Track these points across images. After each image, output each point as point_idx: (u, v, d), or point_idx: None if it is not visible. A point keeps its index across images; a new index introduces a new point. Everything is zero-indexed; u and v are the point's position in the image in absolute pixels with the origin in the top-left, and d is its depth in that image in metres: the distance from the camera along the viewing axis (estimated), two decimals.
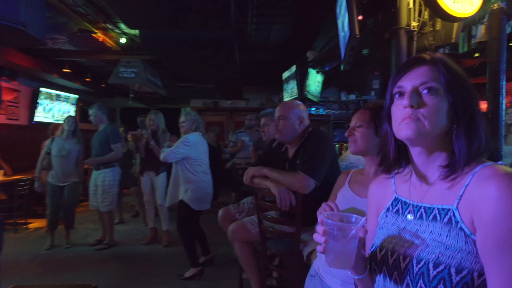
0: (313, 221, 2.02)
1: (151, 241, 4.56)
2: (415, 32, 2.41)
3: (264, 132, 3.38)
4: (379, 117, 1.39)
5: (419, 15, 2.44)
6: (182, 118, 3.66)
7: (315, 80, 6.13)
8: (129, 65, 4.68)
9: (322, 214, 0.88)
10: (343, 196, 1.46)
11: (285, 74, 6.55)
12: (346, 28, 3.09)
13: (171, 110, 10.55)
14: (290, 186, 1.90)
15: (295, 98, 6.00)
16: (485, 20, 2.57)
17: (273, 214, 2.26)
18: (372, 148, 1.41)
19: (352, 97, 6.73)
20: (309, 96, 6.01)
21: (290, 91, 6.29)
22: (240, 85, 9.07)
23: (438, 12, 2.28)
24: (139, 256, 4.09)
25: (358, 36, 2.43)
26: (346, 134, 1.46)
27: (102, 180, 4.27)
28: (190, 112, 3.79)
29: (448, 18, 2.27)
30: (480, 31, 2.54)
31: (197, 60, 5.67)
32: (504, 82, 2.34)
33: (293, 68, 5.95)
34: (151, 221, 4.64)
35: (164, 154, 3.44)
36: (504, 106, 2.33)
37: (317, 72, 5.92)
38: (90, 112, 4.26)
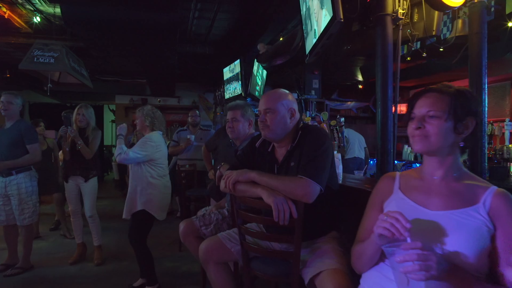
0: (313, 235, 1.73)
1: (80, 259, 3.82)
2: (401, 21, 2.23)
3: (232, 128, 2.96)
4: (463, 106, 1.10)
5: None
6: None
7: (260, 77, 5.85)
8: (47, 48, 3.84)
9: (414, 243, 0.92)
10: (398, 206, 1.15)
11: (227, 70, 6.16)
12: (315, 16, 2.83)
13: (93, 107, 9.39)
14: (289, 193, 1.53)
15: (238, 96, 5.65)
16: (461, 15, 2.49)
17: (255, 227, 1.88)
18: (445, 148, 1.13)
19: (294, 96, 6.60)
20: (256, 94, 5.71)
21: (232, 88, 5.92)
22: (173, 81, 8.44)
23: (429, 0, 2.13)
24: (65, 280, 3.36)
25: (342, 20, 2.16)
26: (413, 126, 1.13)
27: (16, 188, 3.41)
28: (143, 108, 3.22)
29: (438, 6, 2.12)
30: (457, 25, 2.46)
31: (131, 47, 4.99)
32: (486, 78, 2.28)
33: (237, 63, 5.58)
34: (79, 236, 3.90)
35: (124, 154, 2.87)
36: (487, 103, 2.27)
37: (264, 68, 5.65)
38: (7, 98, 3.40)
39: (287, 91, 1.87)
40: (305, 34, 3.21)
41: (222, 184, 1.75)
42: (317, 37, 3.03)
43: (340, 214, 1.80)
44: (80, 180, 3.76)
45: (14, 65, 7.50)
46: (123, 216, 3.09)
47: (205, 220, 2.27)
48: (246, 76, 5.46)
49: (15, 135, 3.44)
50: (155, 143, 3.04)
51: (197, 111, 4.89)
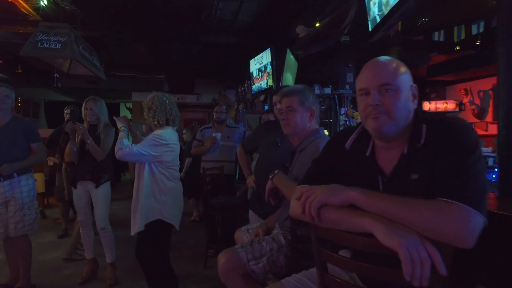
0: None
1: (90, 278, 3.27)
2: None
3: (287, 121, 2.30)
4: None
5: None
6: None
7: (293, 68, 5.20)
8: (53, 32, 3.27)
9: None
10: None
11: (254, 61, 5.53)
12: None
13: (108, 105, 8.95)
14: (430, 230, 0.88)
15: (268, 89, 5.02)
16: None
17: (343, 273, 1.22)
18: None
19: (327, 90, 5.92)
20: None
21: (260, 82, 5.28)
22: (193, 77, 7.88)
23: None
24: None
25: None
26: None
27: (19, 192, 2.90)
28: (154, 96, 2.63)
29: None
30: None
31: (149, 35, 4.43)
32: None
33: (267, 52, 4.94)
34: (89, 250, 3.34)
35: (126, 149, 2.39)
36: None
37: (297, 58, 5.00)
38: (3, 92, 2.89)
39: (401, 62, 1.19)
40: (372, 9, 2.55)
41: (295, 207, 1.11)
42: (383, 10, 2.39)
43: (486, 257, 1.14)
44: (90, 186, 3.19)
45: (25, 59, 7.07)
46: (131, 233, 2.52)
47: (254, 250, 1.64)
48: (277, 67, 4.82)
49: (16, 134, 2.92)
50: (166, 142, 2.48)
51: (224, 106, 4.26)
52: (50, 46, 3.23)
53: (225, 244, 3.82)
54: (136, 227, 2.49)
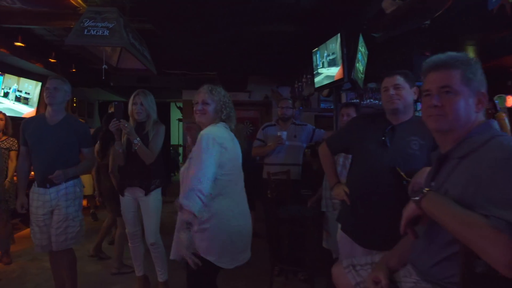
0: None
1: None
2: None
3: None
4: None
5: None
6: (203, 96, 2.05)
7: (363, 58, 4.48)
8: (100, 18, 2.86)
9: None
10: None
11: (319, 51, 4.86)
12: None
13: (159, 105, 8.72)
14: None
15: (338, 81, 4.33)
16: None
17: None
18: None
19: None
20: (359, 80, 4.36)
21: (327, 73, 4.61)
22: (246, 74, 7.38)
23: None
24: None
25: None
26: None
27: (65, 200, 2.56)
28: (215, 88, 2.14)
29: None
30: None
31: (204, 24, 3.96)
32: None
33: (336, 39, 4.27)
34: (139, 267, 2.91)
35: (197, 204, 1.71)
36: None
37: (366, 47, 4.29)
38: (53, 84, 2.56)
39: None
40: None
41: None
42: None
43: None
44: (139, 193, 2.75)
45: (80, 59, 6.97)
46: (171, 257, 1.98)
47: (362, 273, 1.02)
48: (348, 55, 4.13)
49: (68, 135, 2.57)
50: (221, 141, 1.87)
51: (290, 101, 3.67)
52: (97, 33, 2.83)
53: (293, 263, 3.24)
54: (173, 252, 1.94)
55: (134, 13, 4.04)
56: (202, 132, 1.85)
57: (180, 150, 11.43)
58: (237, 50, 5.63)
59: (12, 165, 4.12)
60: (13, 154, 4.14)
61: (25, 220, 5.31)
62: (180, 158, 11.44)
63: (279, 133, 3.35)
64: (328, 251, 3.01)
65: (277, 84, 9.16)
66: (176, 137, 11.86)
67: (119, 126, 2.56)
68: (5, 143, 4.14)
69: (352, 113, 2.85)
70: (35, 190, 2.58)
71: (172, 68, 7.85)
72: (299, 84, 7.08)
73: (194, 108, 2.02)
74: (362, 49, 4.31)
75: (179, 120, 11.24)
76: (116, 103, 2.55)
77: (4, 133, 4.24)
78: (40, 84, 6.62)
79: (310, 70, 6.25)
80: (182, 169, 2.02)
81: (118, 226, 3.69)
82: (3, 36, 5.06)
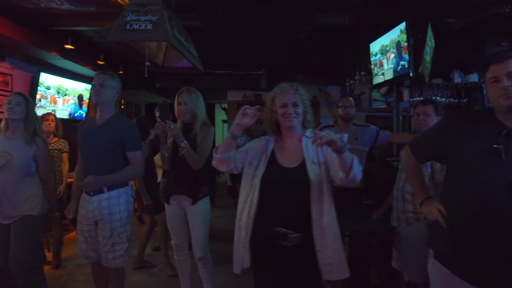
0: None
1: None
2: None
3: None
4: None
5: None
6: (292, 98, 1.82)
7: (430, 50, 3.98)
8: (143, 11, 2.66)
9: None
10: None
11: (378, 44, 4.42)
12: None
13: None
14: None
15: (402, 76, 3.86)
16: None
17: None
18: None
19: (473, 78, 4.54)
20: (426, 75, 3.87)
21: (389, 67, 4.15)
22: (294, 72, 7.02)
23: None
24: None
25: None
26: None
27: (108, 213, 2.28)
28: (300, 87, 1.88)
29: None
30: None
31: (257, 21, 3.69)
32: None
33: (400, 29, 3.81)
34: (185, 282, 2.67)
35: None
36: None
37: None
38: (99, 80, 2.35)
39: None
40: None
41: None
42: None
43: None
44: (186, 202, 2.50)
45: (127, 60, 6.99)
46: (233, 269, 1.70)
47: None
48: (415, 47, 3.66)
49: (112, 137, 2.29)
50: None
51: (351, 99, 3.27)
52: (140, 27, 2.63)
53: (354, 283, 2.85)
54: (235, 265, 1.76)
55: (180, 9, 3.86)
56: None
57: None
58: (286, 47, 5.30)
59: (65, 167, 4.06)
60: (65, 156, 4.08)
61: (72, 221, 5.33)
62: None
63: (339, 135, 2.97)
64: (398, 272, 2.59)
65: (325, 83, 8.73)
66: (221, 139, 11.76)
67: (164, 127, 2.31)
68: (57, 145, 4.12)
69: (431, 111, 2.41)
70: (82, 197, 2.39)
71: (216, 67, 7.69)
72: (351, 82, 6.63)
73: (282, 112, 1.76)
74: (430, 40, 3.82)
75: (224, 121, 11.10)
76: (161, 102, 2.31)
77: (55, 135, 4.22)
78: (89, 86, 6.70)
79: (364, 67, 5.80)
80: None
81: (158, 223, 3.61)
82: (53, 39, 5.11)
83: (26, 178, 2.40)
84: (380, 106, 8.55)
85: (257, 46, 5.36)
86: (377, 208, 2.86)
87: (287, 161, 1.78)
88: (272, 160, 1.80)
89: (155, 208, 3.55)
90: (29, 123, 2.42)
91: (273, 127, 1.85)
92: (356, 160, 1.62)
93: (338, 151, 1.56)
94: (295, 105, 1.75)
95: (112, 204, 2.29)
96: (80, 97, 6.58)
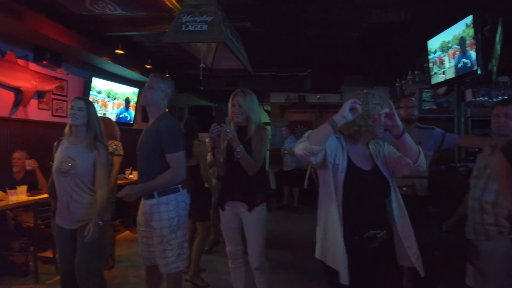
0: None
1: None
2: None
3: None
4: None
5: None
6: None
7: (500, 43, 3.64)
8: (198, 12, 2.60)
9: None
10: None
11: (437, 41, 4.12)
12: None
13: None
14: None
15: (468, 74, 3.56)
16: None
17: None
18: None
19: None
20: (494, 73, 3.54)
21: (451, 65, 3.85)
22: (342, 73, 6.79)
23: None
24: None
25: None
26: None
27: (158, 219, 2.21)
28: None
29: None
30: None
31: (306, 19, 3.56)
32: None
33: (466, 23, 3.51)
34: None
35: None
36: None
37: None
38: (149, 82, 2.30)
39: None
40: None
41: None
42: None
43: None
44: (242, 209, 2.40)
45: (173, 63, 7.09)
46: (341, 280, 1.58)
47: None
48: (484, 42, 3.35)
49: (153, 139, 2.24)
50: None
51: (413, 99, 3.04)
52: (196, 29, 2.59)
53: None
54: None
55: (230, 11, 3.80)
56: None
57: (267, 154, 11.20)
58: (333, 47, 5.12)
59: (113, 170, 3.88)
60: (116, 159, 3.98)
61: (125, 222, 5.44)
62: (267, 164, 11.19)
63: None
64: None
65: (371, 84, 8.39)
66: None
67: (220, 131, 2.24)
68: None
69: None
70: (142, 198, 2.35)
71: (260, 69, 7.62)
72: (402, 82, 6.30)
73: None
74: (499, 34, 3.50)
75: (266, 123, 11.02)
76: (216, 105, 2.23)
77: (109, 137, 4.15)
78: (137, 90, 6.87)
79: (418, 65, 5.48)
80: None
81: (198, 232, 3.46)
82: (105, 45, 5.26)
83: (90, 184, 2.38)
84: (427, 107, 8.11)
85: (304, 47, 5.21)
86: (442, 217, 2.63)
87: (362, 163, 1.73)
88: (350, 161, 1.71)
89: (200, 215, 3.41)
90: (91, 127, 2.39)
91: (355, 131, 1.70)
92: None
93: (398, 134, 1.66)
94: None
95: (162, 211, 2.21)
96: (127, 100, 6.76)
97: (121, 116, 6.56)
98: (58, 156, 2.38)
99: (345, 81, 7.62)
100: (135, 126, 6.91)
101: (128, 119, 6.84)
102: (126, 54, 5.55)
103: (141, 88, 6.75)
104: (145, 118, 6.81)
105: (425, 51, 4.46)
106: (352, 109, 1.56)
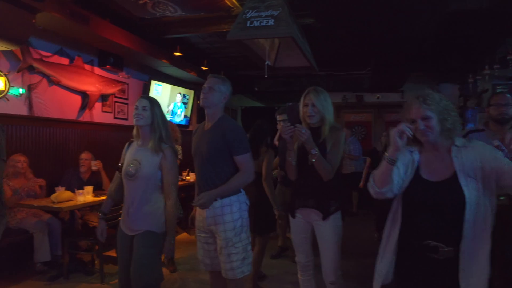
0: None
1: None
2: None
3: None
4: None
5: None
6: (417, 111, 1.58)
7: None
8: (263, 6, 2.44)
9: None
10: None
11: None
12: None
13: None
14: None
15: None
16: None
17: None
18: None
19: None
20: None
21: None
22: (406, 70, 6.35)
23: None
24: None
25: None
26: None
27: (222, 222, 2.14)
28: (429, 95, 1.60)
29: None
30: None
31: (372, 13, 3.30)
32: None
33: None
34: None
35: None
36: None
37: None
38: (209, 83, 2.21)
39: None
40: None
41: None
42: None
43: None
44: (315, 217, 2.21)
45: (227, 64, 7.05)
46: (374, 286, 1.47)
47: None
48: None
49: (218, 141, 2.15)
50: None
51: (509, 95, 2.66)
52: (262, 24, 2.45)
53: None
54: None
55: (293, 6, 3.64)
56: None
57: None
58: (401, 42, 4.74)
59: None
60: None
61: (181, 223, 5.45)
62: None
63: (495, 143, 2.40)
64: None
65: (437, 81, 7.80)
66: None
67: (293, 132, 2.07)
68: None
69: None
70: None
71: (318, 67, 7.36)
72: (476, 78, 5.74)
73: (413, 128, 1.56)
74: None
75: None
76: (290, 104, 2.07)
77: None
78: (192, 92, 6.92)
79: (499, 58, 4.95)
80: None
81: (256, 244, 3.23)
82: (164, 48, 5.32)
83: (153, 190, 2.23)
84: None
85: (367, 43, 4.90)
86: None
87: (434, 174, 1.60)
88: (417, 174, 1.63)
89: (259, 228, 3.17)
90: (155, 128, 2.23)
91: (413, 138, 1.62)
92: None
93: None
94: (425, 118, 1.55)
95: (225, 213, 2.15)
96: (184, 102, 6.83)
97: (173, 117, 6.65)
98: (126, 158, 2.29)
99: (408, 78, 7.14)
100: (190, 128, 6.97)
101: (185, 121, 6.92)
102: (184, 56, 5.58)
103: (196, 89, 6.80)
104: (199, 120, 6.85)
105: (508, 43, 3.98)
106: (401, 135, 1.52)
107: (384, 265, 1.66)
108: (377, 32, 4.32)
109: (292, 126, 2.06)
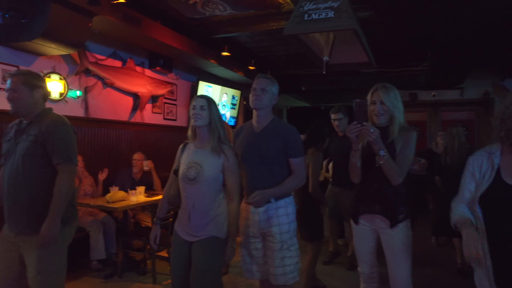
0: None
1: None
2: None
3: None
4: None
5: None
6: None
7: None
8: None
9: None
10: None
11: None
12: None
13: (350, 108, 7.94)
14: None
15: None
16: None
17: None
18: None
19: None
20: None
21: None
22: (468, 65, 5.87)
23: None
24: None
25: None
26: None
27: (277, 224, 2.07)
28: None
29: None
30: None
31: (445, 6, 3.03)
32: None
33: None
34: None
35: None
36: None
37: None
38: (261, 84, 2.13)
39: None
40: None
41: None
42: None
43: None
44: (382, 224, 2.02)
45: (274, 63, 6.91)
46: None
47: None
48: None
49: (275, 143, 2.10)
50: None
51: None
52: (320, 16, 2.29)
53: None
54: None
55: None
56: None
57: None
58: (459, 33, 4.36)
59: None
60: None
61: None
62: None
63: None
64: None
65: (501, 76, 7.18)
66: None
67: (360, 131, 1.90)
68: None
69: None
70: (245, 208, 2.19)
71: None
72: None
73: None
74: None
75: None
76: (358, 100, 1.89)
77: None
78: (239, 92, 6.87)
79: None
80: None
81: (307, 252, 3.08)
82: (212, 48, 5.30)
83: (216, 193, 2.12)
84: None
85: (426, 38, 4.57)
86: None
87: None
88: (497, 176, 1.55)
89: (308, 235, 3.05)
90: (213, 128, 2.12)
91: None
92: None
93: None
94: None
95: (281, 214, 2.09)
96: (232, 103, 6.80)
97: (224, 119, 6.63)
98: (183, 161, 2.17)
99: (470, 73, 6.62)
100: None
101: (232, 121, 6.89)
102: (232, 56, 5.53)
103: (243, 90, 6.74)
104: (245, 121, 6.81)
105: None
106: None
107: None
108: (437, 24, 4.00)
109: (358, 125, 1.89)
